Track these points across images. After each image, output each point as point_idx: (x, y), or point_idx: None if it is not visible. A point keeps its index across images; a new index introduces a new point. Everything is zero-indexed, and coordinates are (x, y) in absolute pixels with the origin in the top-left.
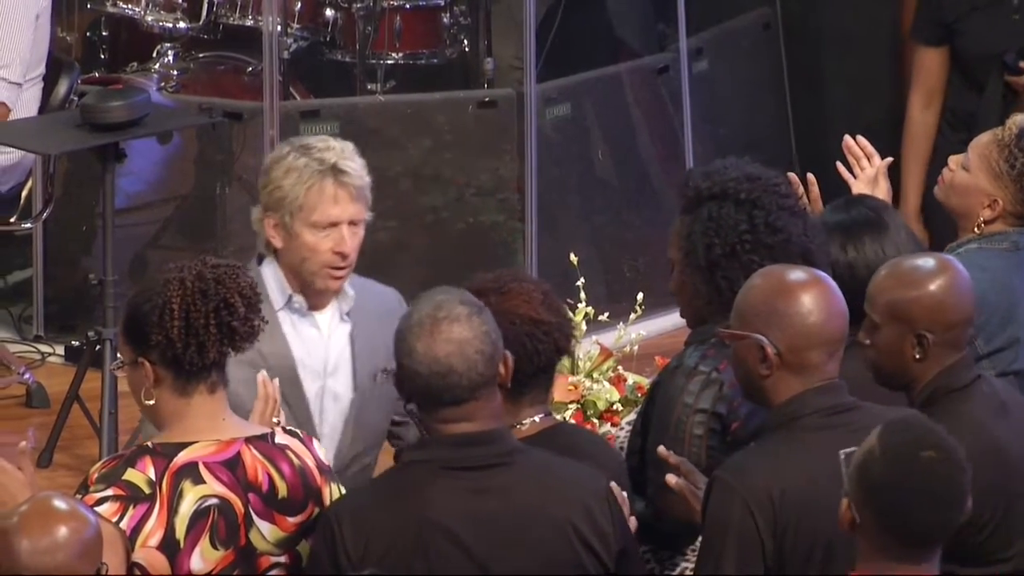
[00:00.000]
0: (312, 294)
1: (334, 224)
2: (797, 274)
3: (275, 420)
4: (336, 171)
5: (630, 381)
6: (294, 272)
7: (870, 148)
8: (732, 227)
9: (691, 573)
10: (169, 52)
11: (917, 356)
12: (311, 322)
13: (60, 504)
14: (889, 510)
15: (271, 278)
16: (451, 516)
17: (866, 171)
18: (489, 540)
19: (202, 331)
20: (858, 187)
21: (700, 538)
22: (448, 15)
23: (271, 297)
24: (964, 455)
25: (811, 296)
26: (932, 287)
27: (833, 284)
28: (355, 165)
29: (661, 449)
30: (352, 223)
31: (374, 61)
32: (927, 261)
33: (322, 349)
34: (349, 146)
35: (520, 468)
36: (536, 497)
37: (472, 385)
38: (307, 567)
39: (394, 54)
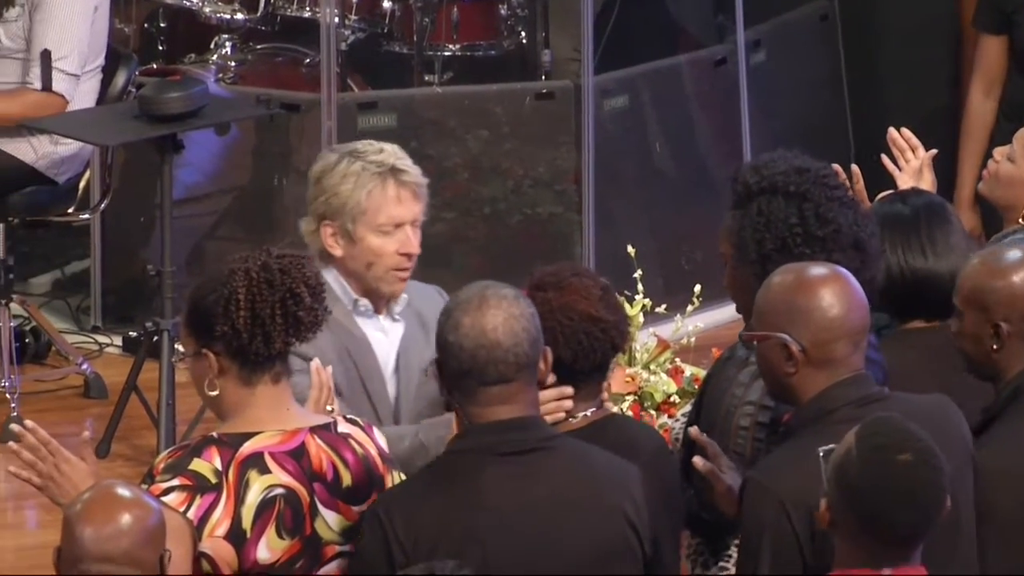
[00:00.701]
0: (375, 298)
1: (398, 225)
2: (814, 269)
3: (328, 408)
4: (395, 171)
5: (687, 373)
6: (357, 278)
7: (915, 140)
8: (782, 221)
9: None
10: (227, 43)
11: (995, 346)
12: (376, 325)
13: (123, 491)
14: (866, 512)
15: (334, 284)
16: (503, 501)
17: (911, 163)
18: (543, 524)
19: (268, 321)
20: (903, 179)
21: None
22: (505, 6)
23: (342, 302)
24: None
25: (830, 289)
26: (1015, 278)
27: (850, 276)
28: (411, 164)
29: (693, 430)
30: (413, 223)
31: (432, 53)
32: (1016, 252)
33: (386, 351)
34: (396, 147)
35: (561, 454)
36: (584, 482)
37: (517, 363)
38: (356, 564)
39: (452, 46)
